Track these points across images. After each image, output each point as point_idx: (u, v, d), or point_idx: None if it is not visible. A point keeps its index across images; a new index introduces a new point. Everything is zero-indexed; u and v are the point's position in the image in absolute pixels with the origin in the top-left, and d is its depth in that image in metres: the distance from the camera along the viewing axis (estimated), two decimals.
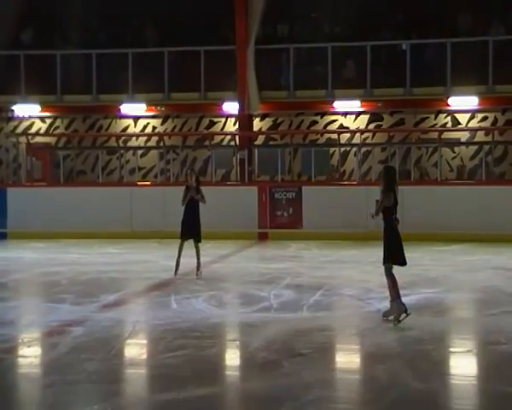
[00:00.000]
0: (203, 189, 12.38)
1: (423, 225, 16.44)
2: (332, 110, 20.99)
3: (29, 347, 8.35)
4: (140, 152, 21.58)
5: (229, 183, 20.08)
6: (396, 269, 9.16)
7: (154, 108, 21.71)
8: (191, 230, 12.23)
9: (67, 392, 6.60)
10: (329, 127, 21.41)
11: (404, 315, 8.85)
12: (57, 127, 22.76)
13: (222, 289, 11.39)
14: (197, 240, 12.31)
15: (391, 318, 8.92)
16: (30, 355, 8.07)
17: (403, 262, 8.97)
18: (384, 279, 9.36)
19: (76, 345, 8.08)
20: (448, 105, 20.17)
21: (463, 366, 7.73)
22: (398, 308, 8.88)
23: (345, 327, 9.22)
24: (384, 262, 8.97)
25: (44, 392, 6.78)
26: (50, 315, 9.60)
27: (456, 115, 20.80)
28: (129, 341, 8.63)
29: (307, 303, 10.15)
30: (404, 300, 9.18)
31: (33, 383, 7.09)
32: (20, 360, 7.93)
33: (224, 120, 21.95)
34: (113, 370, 7.36)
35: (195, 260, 12.27)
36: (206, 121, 22.12)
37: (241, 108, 20.27)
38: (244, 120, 20.52)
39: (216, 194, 17.94)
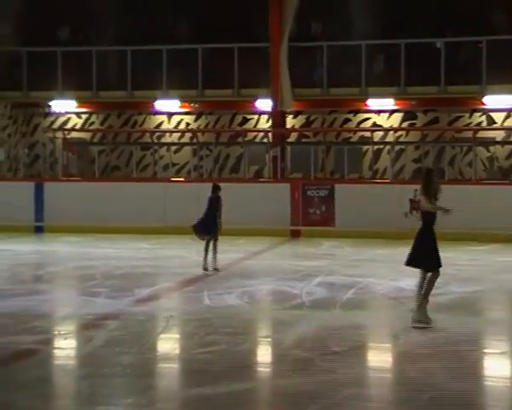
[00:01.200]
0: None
1: (458, 225, 16.27)
2: (365, 108, 20.88)
3: (65, 339, 8.47)
4: (174, 148, 21.68)
5: (261, 179, 20.09)
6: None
7: (187, 104, 21.81)
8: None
9: (102, 385, 6.68)
10: (362, 125, 21.30)
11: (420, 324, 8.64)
12: (92, 123, 22.98)
13: (254, 286, 11.41)
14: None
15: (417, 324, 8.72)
16: (66, 347, 8.19)
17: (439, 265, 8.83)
18: (417, 279, 9.29)
19: (111, 338, 8.18)
20: (483, 104, 19.94)
21: (499, 367, 7.65)
22: (423, 316, 8.72)
23: (378, 326, 9.19)
24: (431, 268, 8.76)
25: (80, 384, 6.87)
26: (85, 308, 9.72)
27: (492, 114, 20.56)
28: (162, 335, 8.71)
29: (340, 301, 10.14)
30: (437, 299, 9.15)
31: (69, 375, 7.19)
32: (56, 351, 8.05)
33: (257, 117, 21.96)
34: (146, 364, 7.43)
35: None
36: (239, 118, 22.15)
37: (275, 106, 20.26)
38: (277, 117, 20.50)
39: (249, 190, 18.03)
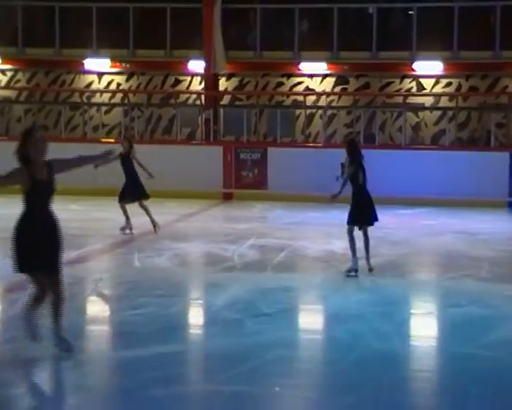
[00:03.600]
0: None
1: (387, 189, 16.56)
2: (298, 72, 20.90)
3: None
4: (104, 109, 21.28)
5: (194, 142, 19.95)
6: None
7: (118, 64, 21.38)
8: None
9: (27, 348, 6.54)
10: (295, 89, 21.34)
11: (353, 273, 9.35)
12: (18, 81, 22.29)
13: (185, 249, 11.36)
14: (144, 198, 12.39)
15: (348, 271, 9.44)
16: None
17: (358, 224, 9.56)
18: (347, 242, 9.51)
19: None
20: (413, 70, 20.22)
21: (424, 327, 7.86)
22: (353, 264, 9.42)
23: (308, 288, 9.29)
24: (347, 223, 9.54)
25: (3, 348, 6.71)
26: (10, 270, 9.46)
27: (421, 80, 20.87)
28: (91, 298, 8.60)
29: (271, 264, 10.19)
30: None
31: None
32: None
33: (189, 78, 21.72)
34: (75, 326, 7.29)
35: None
36: (171, 79, 21.86)
37: (207, 67, 20.06)
38: (210, 79, 20.31)
39: (181, 153, 17.89)
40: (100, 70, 21.55)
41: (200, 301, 8.76)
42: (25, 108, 20.84)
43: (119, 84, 22.02)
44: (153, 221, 12.28)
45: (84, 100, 21.21)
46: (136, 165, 12.58)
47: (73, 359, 6.25)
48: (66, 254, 10.39)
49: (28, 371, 6.02)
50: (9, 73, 22.12)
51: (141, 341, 6.75)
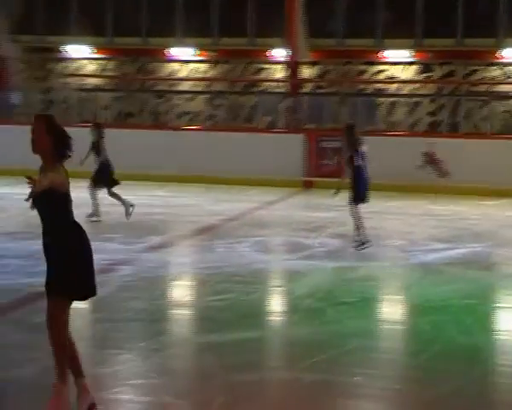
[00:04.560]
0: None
1: (472, 179, 16.22)
2: (381, 60, 20.64)
3: None
4: (188, 96, 21.58)
5: (275, 130, 20.01)
6: (443, 221, 9.16)
7: (202, 52, 21.62)
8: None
9: (115, 329, 6.76)
10: (378, 77, 21.09)
11: (366, 245, 9.96)
12: (106, 69, 22.84)
13: (266, 236, 11.44)
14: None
15: (356, 246, 10.03)
16: None
17: (361, 201, 10.31)
18: (429, 232, 9.39)
19: (124, 284, 8.26)
20: (500, 57, 19.66)
21: (509, 321, 7.68)
22: (362, 238, 10.04)
23: (389, 278, 9.22)
24: (350, 202, 10.29)
25: (93, 328, 6.97)
26: (99, 253, 9.67)
27: (508, 68, 20.27)
28: (174, 282, 8.78)
29: (352, 252, 10.16)
30: (450, 253, 9.25)
31: (82, 319, 7.25)
32: None
33: (272, 66, 21.77)
34: (159, 310, 7.51)
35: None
36: (253, 67, 21.97)
37: (290, 55, 20.06)
38: (292, 67, 20.30)
39: (262, 141, 17.98)
40: (184, 58, 21.86)
41: (281, 289, 8.81)
42: (111, 95, 21.34)
43: (202, 72, 22.28)
44: (126, 206, 11.98)
45: (169, 88, 21.56)
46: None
47: (157, 341, 6.41)
48: (151, 239, 10.75)
49: (112, 352, 6.21)
50: (99, 62, 22.70)
51: (222, 326, 6.86)
